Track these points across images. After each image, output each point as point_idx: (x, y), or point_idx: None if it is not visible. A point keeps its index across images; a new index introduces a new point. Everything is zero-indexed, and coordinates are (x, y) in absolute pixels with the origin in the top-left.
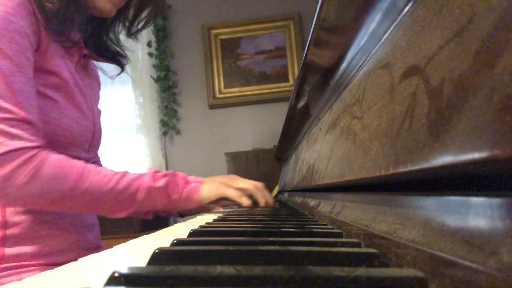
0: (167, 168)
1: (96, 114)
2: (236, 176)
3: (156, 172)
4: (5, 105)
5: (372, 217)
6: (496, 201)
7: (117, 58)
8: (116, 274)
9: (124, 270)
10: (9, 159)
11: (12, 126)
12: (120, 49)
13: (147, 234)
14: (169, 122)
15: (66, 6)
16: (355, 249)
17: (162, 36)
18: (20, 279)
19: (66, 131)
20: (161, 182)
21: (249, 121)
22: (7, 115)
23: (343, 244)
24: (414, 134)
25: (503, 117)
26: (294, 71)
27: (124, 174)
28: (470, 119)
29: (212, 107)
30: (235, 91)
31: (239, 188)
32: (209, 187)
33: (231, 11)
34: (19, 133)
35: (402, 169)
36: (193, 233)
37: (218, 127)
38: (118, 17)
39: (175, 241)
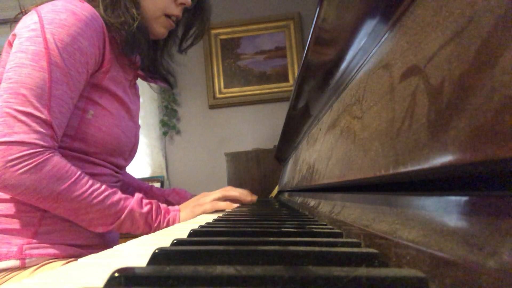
0: (167, 168)
1: (138, 128)
2: (205, 193)
3: (143, 198)
4: (37, 104)
5: (372, 217)
6: (496, 201)
7: (167, 78)
8: (116, 274)
9: (124, 270)
10: (18, 148)
11: (34, 122)
12: (171, 67)
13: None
14: (169, 122)
15: (134, 33)
16: (355, 249)
17: None
18: (47, 254)
19: (115, 140)
20: (145, 208)
21: (249, 121)
22: (34, 112)
23: (343, 244)
24: (414, 134)
25: (503, 117)
26: (294, 71)
27: (115, 192)
28: (470, 119)
29: (212, 107)
30: (235, 91)
31: (211, 201)
32: (186, 213)
33: (231, 11)
34: (38, 130)
35: (402, 169)
36: (193, 233)
37: (218, 127)
38: (170, 36)
39: (175, 241)
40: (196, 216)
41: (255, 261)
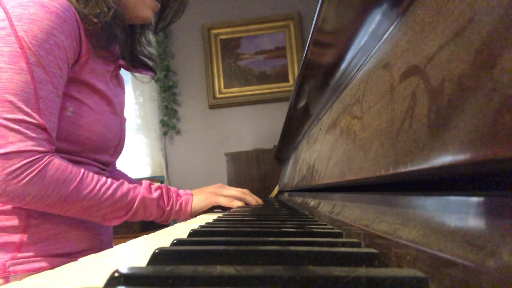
0: (167, 168)
1: (123, 121)
2: (222, 185)
3: (151, 184)
4: (27, 109)
5: (372, 217)
6: (495, 201)
7: (148, 64)
8: (116, 274)
9: (124, 270)
10: (17, 158)
11: (28, 128)
12: (150, 53)
13: (147, 234)
14: (169, 122)
15: (109, 24)
16: (355, 249)
17: (162, 36)
18: (33, 268)
19: (98, 136)
20: (155, 194)
21: (249, 121)
22: (26, 118)
23: (343, 244)
24: (414, 134)
25: (503, 117)
26: (294, 71)
27: (122, 183)
28: (470, 119)
29: (212, 107)
30: (235, 91)
31: (228, 195)
32: (200, 198)
33: (231, 11)
34: (33, 136)
35: (402, 169)
36: (193, 233)
37: (218, 127)
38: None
39: (175, 241)
40: (209, 204)
41: (255, 261)
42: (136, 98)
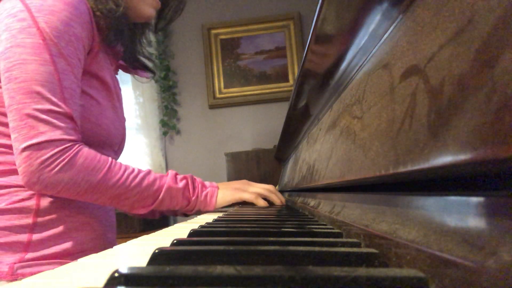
0: (167, 168)
1: (124, 120)
2: (248, 181)
3: (177, 174)
4: (54, 99)
5: (372, 217)
6: (495, 201)
7: (147, 65)
8: (116, 274)
9: (124, 270)
10: (48, 147)
11: (56, 118)
12: (149, 53)
13: (147, 234)
14: (169, 122)
15: (118, 20)
16: (355, 249)
17: (162, 36)
18: (41, 272)
19: (104, 131)
20: (181, 184)
21: (249, 121)
22: (53, 108)
23: (343, 244)
24: (414, 134)
25: (503, 117)
26: (294, 71)
27: (149, 172)
28: (470, 119)
29: (212, 107)
30: (235, 91)
31: (253, 192)
32: (225, 192)
33: (231, 11)
34: (61, 125)
35: (402, 169)
36: (193, 233)
37: (218, 127)
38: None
39: (175, 241)
40: (233, 199)
41: (255, 261)
42: (136, 98)
